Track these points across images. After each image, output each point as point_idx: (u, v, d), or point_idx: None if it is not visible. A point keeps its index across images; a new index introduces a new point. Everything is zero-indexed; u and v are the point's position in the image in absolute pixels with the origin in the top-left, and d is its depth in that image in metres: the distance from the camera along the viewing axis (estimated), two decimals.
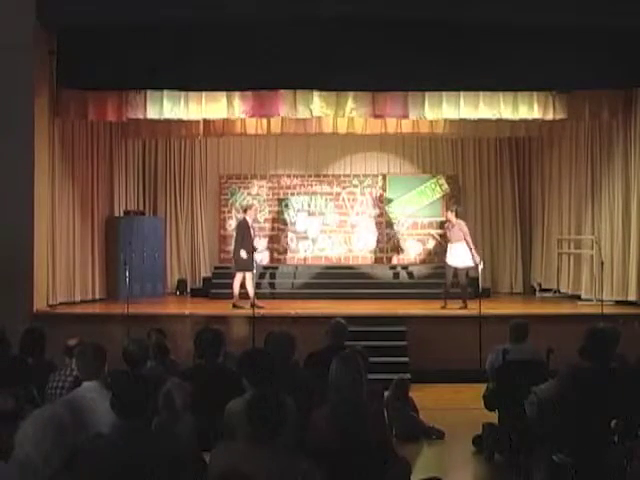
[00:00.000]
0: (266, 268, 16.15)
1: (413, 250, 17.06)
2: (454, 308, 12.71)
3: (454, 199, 16.97)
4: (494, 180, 17.26)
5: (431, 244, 17.03)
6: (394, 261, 17.07)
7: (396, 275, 16.24)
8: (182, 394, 5.16)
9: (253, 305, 12.69)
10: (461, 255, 13.25)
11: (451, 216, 13.60)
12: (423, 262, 16.81)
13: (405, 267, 16.49)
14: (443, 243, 16.45)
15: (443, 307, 12.98)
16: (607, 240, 13.76)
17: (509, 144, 17.17)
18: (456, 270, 13.29)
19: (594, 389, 5.47)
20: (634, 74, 12.44)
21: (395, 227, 17.09)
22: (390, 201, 17.02)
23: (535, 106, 12.66)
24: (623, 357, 6.49)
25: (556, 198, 15.90)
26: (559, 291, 15.49)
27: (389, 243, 17.17)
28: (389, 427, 7.26)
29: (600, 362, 5.89)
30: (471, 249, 13.29)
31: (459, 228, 13.42)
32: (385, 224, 17.13)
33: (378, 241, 17.16)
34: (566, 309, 13.30)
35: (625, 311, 12.37)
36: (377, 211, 17.24)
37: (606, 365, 5.89)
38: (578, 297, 14.45)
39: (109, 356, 5.60)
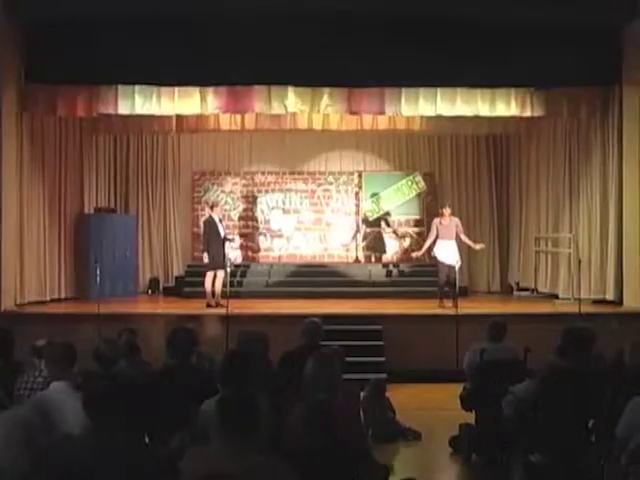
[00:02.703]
0: (239, 266, 16.10)
1: (390, 248, 17.09)
2: (449, 307, 12.70)
3: (431, 196, 17.03)
4: (471, 177, 17.32)
5: (408, 242, 17.07)
6: (370, 259, 17.09)
7: (372, 273, 16.23)
8: None
9: (217, 303, 12.75)
10: (453, 253, 13.29)
11: (447, 212, 13.63)
12: (400, 260, 16.83)
13: (384, 265, 16.51)
14: (420, 241, 16.52)
15: (441, 306, 13.02)
16: (585, 238, 13.85)
17: (486, 141, 17.23)
18: (448, 268, 13.27)
19: (571, 389, 5.50)
20: (612, 71, 12.57)
21: (371, 225, 17.10)
22: (366, 199, 17.03)
23: (513, 103, 12.71)
24: (601, 356, 6.54)
25: (534, 196, 15.99)
26: (537, 290, 15.57)
27: (365, 241, 17.19)
28: (365, 428, 7.26)
29: (577, 361, 5.94)
30: (469, 244, 13.87)
31: (455, 225, 13.51)
32: (361, 222, 17.15)
33: (354, 239, 17.17)
34: (544, 308, 13.36)
35: (603, 310, 12.46)
36: (353, 209, 17.25)
37: (583, 364, 5.94)
38: (556, 296, 14.54)
39: (80, 356, 5.56)
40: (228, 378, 5.11)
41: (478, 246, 14.02)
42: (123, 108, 12.53)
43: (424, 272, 15.63)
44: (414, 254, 14.31)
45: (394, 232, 17.06)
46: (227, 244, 13.98)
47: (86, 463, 3.87)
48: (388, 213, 17.01)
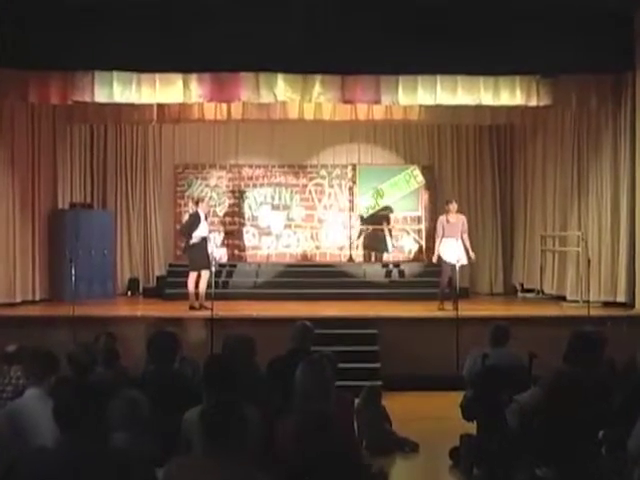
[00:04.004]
0: (225, 266, 16.08)
1: (385, 247, 17.08)
2: (449, 310, 12.69)
3: (430, 191, 17.04)
4: (473, 171, 17.34)
5: (406, 240, 17.08)
6: (369, 259, 17.09)
7: (367, 274, 16.22)
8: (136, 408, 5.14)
9: (201, 306, 12.75)
10: (458, 252, 13.24)
11: (453, 209, 13.61)
12: (397, 260, 16.83)
13: (384, 265, 16.51)
14: (419, 240, 16.54)
15: (440, 309, 13.02)
16: (594, 237, 13.85)
17: (489, 132, 17.25)
18: (452, 268, 13.21)
19: (580, 397, 5.49)
20: (624, 58, 12.56)
21: (366, 222, 17.10)
22: (361, 194, 17.00)
23: (518, 92, 12.69)
24: (612, 362, 6.54)
25: (540, 191, 15.99)
26: (542, 292, 15.58)
27: (359, 239, 17.19)
28: (359, 439, 7.26)
29: (586, 368, 5.93)
30: (467, 248, 13.51)
31: (461, 223, 13.51)
32: (355, 219, 17.14)
33: (348, 237, 17.16)
34: (550, 311, 13.37)
35: (614, 313, 12.48)
36: (347, 204, 17.25)
37: (593, 371, 5.93)
38: (563, 298, 14.55)
39: None
40: (212, 385, 5.10)
41: (472, 255, 13.69)
42: (100, 96, 12.46)
43: (425, 272, 15.66)
44: (434, 259, 14.00)
45: (389, 230, 17.06)
46: (210, 242, 13.98)
47: (56, 478, 3.85)
48: (386, 209, 16.99)
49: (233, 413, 4.01)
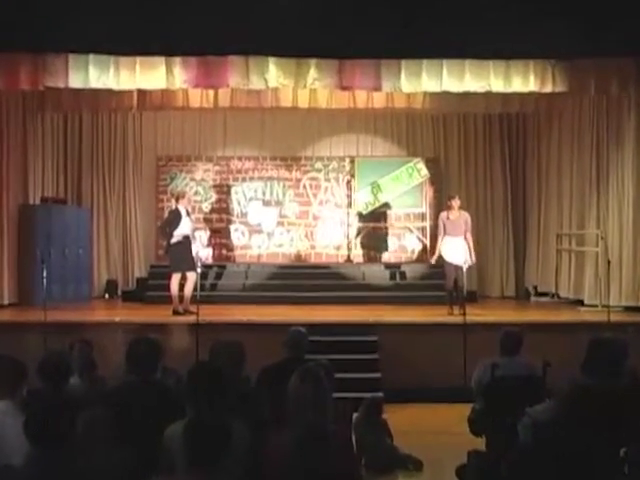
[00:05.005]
0: (211, 267, 16.07)
1: (386, 246, 17.10)
2: (457, 315, 12.68)
3: (435, 186, 17.06)
4: (482, 164, 17.36)
5: (409, 239, 17.10)
6: (364, 259, 17.10)
7: (367, 275, 16.23)
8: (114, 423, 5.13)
9: (185, 310, 12.78)
10: (462, 252, 13.24)
11: (456, 204, 13.62)
12: (399, 260, 16.85)
13: (386, 266, 16.53)
14: (423, 239, 16.54)
15: (450, 314, 13.04)
16: (615, 235, 13.88)
17: (500, 122, 17.28)
18: (456, 269, 13.22)
19: (599, 411, 5.49)
20: None
21: (365, 219, 17.10)
22: (359, 188, 17.01)
23: (531, 77, 12.70)
24: (634, 373, 6.53)
25: (555, 186, 16.02)
26: (558, 295, 15.62)
27: (358, 238, 17.20)
28: (358, 456, 7.25)
29: (606, 379, 5.93)
30: (470, 247, 13.49)
31: (463, 220, 13.49)
32: (353, 216, 17.15)
33: (345, 236, 17.18)
34: (566, 316, 13.40)
35: (636, 319, 12.48)
36: (344, 200, 17.25)
37: (613, 382, 5.93)
38: (580, 302, 14.59)
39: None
40: (196, 397, 5.09)
41: (472, 257, 13.50)
42: (75, 81, 12.46)
43: (429, 274, 15.67)
44: (432, 259, 14.09)
45: (386, 228, 17.07)
46: (195, 241, 13.99)
47: None
48: (386, 205, 16.99)
49: (219, 428, 4.00)
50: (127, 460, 4.98)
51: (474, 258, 13.63)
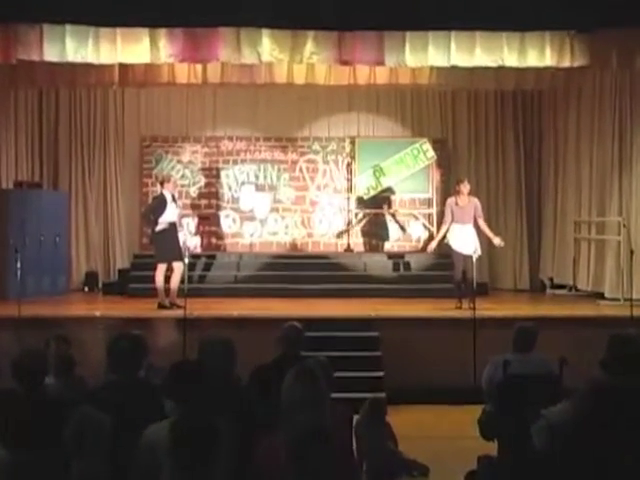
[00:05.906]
0: (200, 257, 16.08)
1: (390, 235, 17.11)
2: (467, 309, 12.69)
3: (442, 169, 17.05)
4: (493, 145, 17.37)
5: (414, 227, 17.10)
6: (365, 249, 17.11)
7: (368, 266, 16.24)
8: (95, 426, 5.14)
9: (172, 304, 12.79)
10: (471, 240, 13.24)
11: (465, 189, 13.62)
12: (403, 250, 16.85)
13: (389, 257, 16.53)
14: (429, 226, 16.55)
15: (458, 307, 13.08)
16: (638, 223, 13.89)
17: (514, 99, 17.28)
18: (465, 259, 13.22)
19: (621, 412, 5.50)
20: None
21: (367, 205, 17.11)
22: (361, 172, 17.01)
23: (547, 50, 12.69)
24: None
25: (573, 169, 16.01)
26: (576, 288, 15.63)
27: (359, 225, 17.21)
28: (359, 461, 7.26)
29: (627, 378, 5.93)
30: (489, 235, 13.70)
31: (473, 206, 13.49)
32: (354, 201, 17.15)
33: (345, 223, 17.18)
34: (585, 310, 13.41)
35: None
36: (344, 184, 17.25)
37: (635, 381, 5.93)
38: (600, 295, 14.60)
39: None
40: (180, 396, 5.09)
41: (497, 240, 13.78)
42: (50, 54, 12.43)
43: (435, 265, 15.68)
44: (429, 247, 14.18)
45: (393, 215, 17.08)
46: (182, 229, 14.00)
47: None
48: (389, 190, 16.99)
49: (206, 429, 4.00)
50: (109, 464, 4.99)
51: (499, 240, 13.74)
